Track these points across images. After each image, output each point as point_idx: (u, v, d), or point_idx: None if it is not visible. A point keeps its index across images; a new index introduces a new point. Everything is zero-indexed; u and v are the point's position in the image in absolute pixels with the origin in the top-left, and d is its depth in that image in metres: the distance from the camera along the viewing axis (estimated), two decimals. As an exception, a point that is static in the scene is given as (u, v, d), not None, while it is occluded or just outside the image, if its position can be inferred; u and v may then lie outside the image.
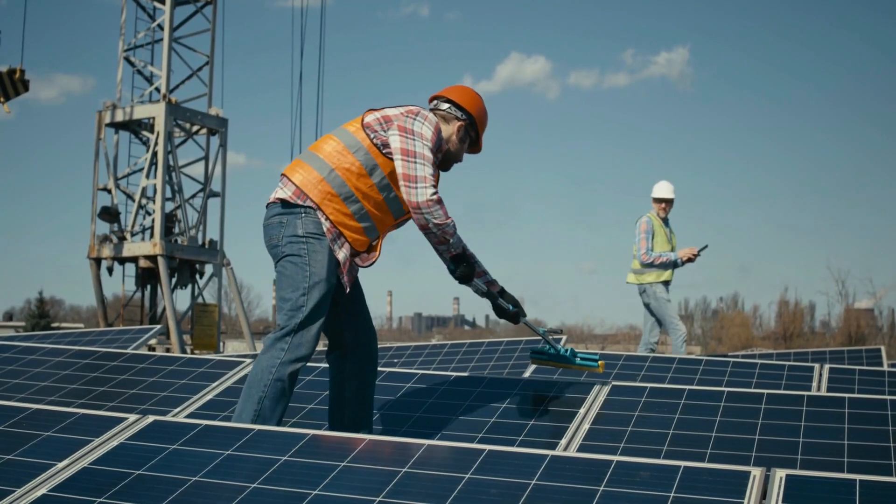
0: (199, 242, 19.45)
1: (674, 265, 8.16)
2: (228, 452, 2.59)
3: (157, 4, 19.44)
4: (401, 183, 3.50)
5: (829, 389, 5.37)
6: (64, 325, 40.50)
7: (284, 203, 3.56)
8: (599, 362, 4.10)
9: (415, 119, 3.57)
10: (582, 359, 4.12)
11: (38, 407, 2.96)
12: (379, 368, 4.50)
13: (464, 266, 3.71)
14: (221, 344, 27.35)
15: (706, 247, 8.29)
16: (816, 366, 5.70)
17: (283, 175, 3.65)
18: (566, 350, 4.15)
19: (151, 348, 17.50)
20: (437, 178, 3.71)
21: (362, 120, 3.63)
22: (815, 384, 5.44)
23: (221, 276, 19.84)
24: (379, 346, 8.41)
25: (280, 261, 3.55)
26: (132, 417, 2.82)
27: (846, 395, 3.85)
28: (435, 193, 3.48)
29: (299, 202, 3.53)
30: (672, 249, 8.26)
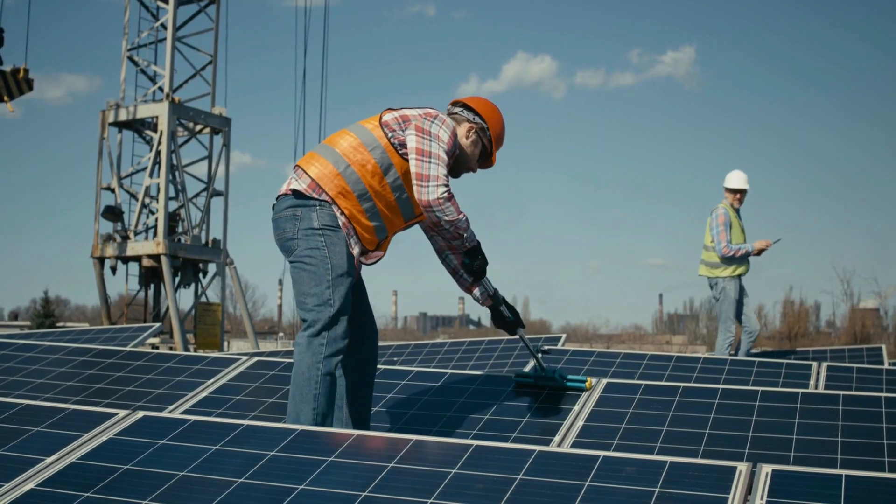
0: (203, 242, 19.48)
1: (747, 257, 8.01)
2: (217, 447, 2.60)
3: (161, 4, 19.47)
4: (413, 182, 3.50)
5: (826, 387, 5.37)
6: (69, 324, 40.60)
7: (298, 194, 3.53)
8: (587, 381, 4.06)
9: (433, 121, 3.57)
10: (569, 381, 4.06)
11: (29, 402, 2.97)
12: (383, 367, 4.51)
13: (479, 259, 3.74)
14: (226, 343, 27.40)
15: (779, 240, 8.13)
16: (814, 364, 5.69)
17: (297, 166, 3.61)
18: (553, 371, 4.09)
19: (155, 347, 17.54)
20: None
21: (380, 118, 3.61)
22: (812, 382, 5.44)
23: (225, 276, 19.87)
24: (381, 344, 8.44)
25: (297, 254, 3.50)
26: (122, 413, 2.83)
27: (840, 393, 3.85)
28: (446, 191, 3.48)
29: (314, 195, 3.50)
30: (744, 241, 8.07)
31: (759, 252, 7.99)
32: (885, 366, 6.84)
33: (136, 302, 19.91)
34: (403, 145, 3.55)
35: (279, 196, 3.61)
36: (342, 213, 3.51)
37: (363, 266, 3.70)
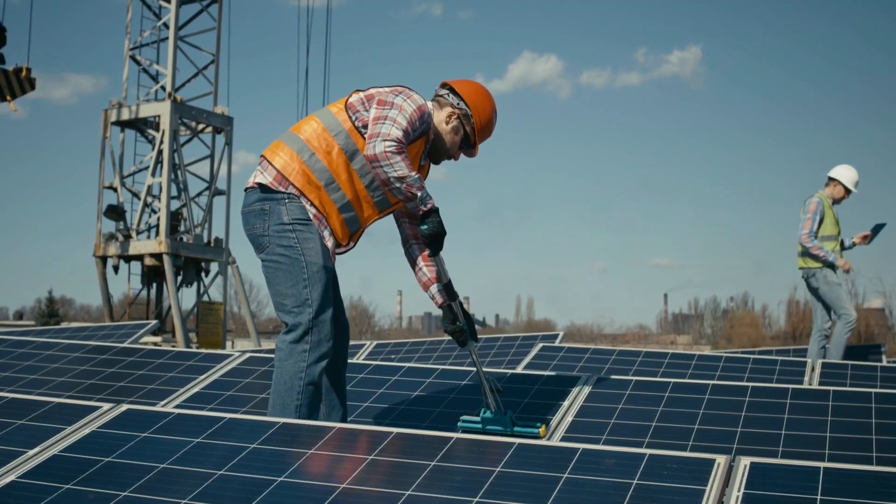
0: (205, 241, 19.51)
1: (830, 266, 7.67)
2: (199, 440, 2.60)
3: (163, 3, 19.50)
4: (366, 144, 3.30)
5: (820, 384, 5.36)
6: (74, 324, 40.60)
7: (264, 188, 3.39)
8: (541, 428, 3.57)
9: (398, 95, 3.39)
10: (520, 426, 3.59)
11: (14, 396, 2.98)
12: (372, 363, 4.52)
13: (434, 222, 3.40)
14: (230, 343, 27.38)
15: (884, 225, 7.80)
16: (809, 361, 5.68)
17: (262, 157, 3.46)
18: (505, 413, 3.61)
19: (157, 346, 17.55)
20: (422, 170, 3.61)
21: (346, 100, 3.46)
22: (806, 379, 5.43)
23: (227, 275, 19.90)
24: (381, 342, 8.44)
25: (268, 252, 3.37)
26: (105, 406, 2.83)
27: (830, 388, 3.84)
28: (394, 146, 3.24)
29: (281, 188, 3.36)
30: (838, 233, 7.79)
31: (848, 269, 7.66)
32: (883, 363, 6.83)
33: (140, 301, 19.96)
34: (367, 126, 3.36)
35: (247, 189, 3.47)
36: (311, 204, 3.37)
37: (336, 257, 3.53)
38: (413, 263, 3.69)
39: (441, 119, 3.59)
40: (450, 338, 3.79)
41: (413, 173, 3.29)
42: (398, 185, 3.29)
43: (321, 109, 3.51)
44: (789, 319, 44.48)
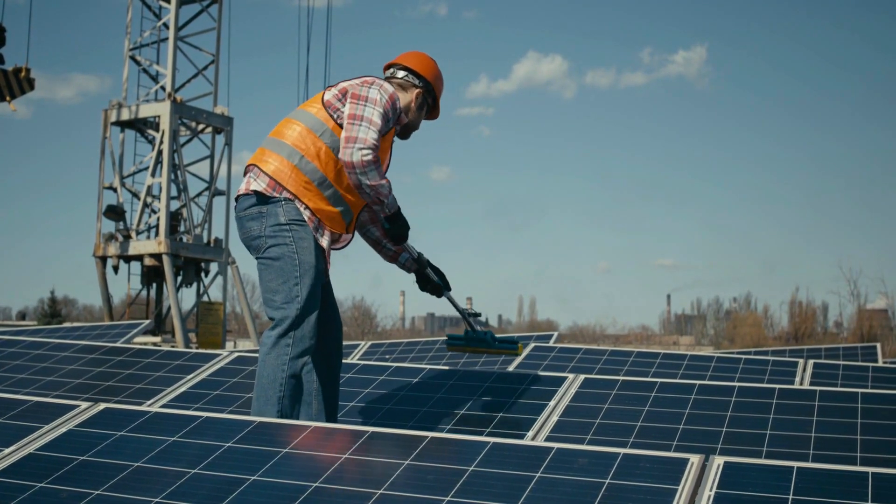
0: (205, 241, 19.52)
1: None
2: (174, 439, 2.59)
3: (163, 3, 19.53)
4: (341, 146, 3.42)
5: (810, 384, 5.35)
6: (76, 324, 40.59)
7: (259, 195, 3.48)
8: (518, 345, 3.99)
9: (370, 87, 3.50)
10: (500, 342, 4.02)
11: (-8, 394, 2.97)
12: (361, 362, 4.51)
13: (399, 226, 3.66)
14: (232, 343, 27.39)
15: None
16: (800, 361, 5.67)
17: (252, 165, 3.54)
18: (484, 333, 4.03)
19: (157, 346, 17.54)
20: (390, 155, 3.69)
21: (322, 98, 3.55)
22: (797, 379, 5.42)
23: (227, 275, 19.91)
24: (377, 342, 8.44)
25: (264, 251, 3.46)
26: (83, 405, 2.83)
27: (817, 388, 3.83)
28: (370, 154, 3.39)
29: (275, 194, 3.45)
30: None
31: None
32: (879, 363, 6.81)
33: (139, 301, 19.97)
34: None
35: (239, 195, 3.55)
36: (306, 207, 3.46)
37: (332, 253, 3.64)
38: (376, 243, 3.92)
39: (409, 101, 3.75)
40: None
41: (384, 181, 3.48)
42: (369, 192, 3.48)
43: (297, 112, 3.60)
44: (791, 320, 44.47)
